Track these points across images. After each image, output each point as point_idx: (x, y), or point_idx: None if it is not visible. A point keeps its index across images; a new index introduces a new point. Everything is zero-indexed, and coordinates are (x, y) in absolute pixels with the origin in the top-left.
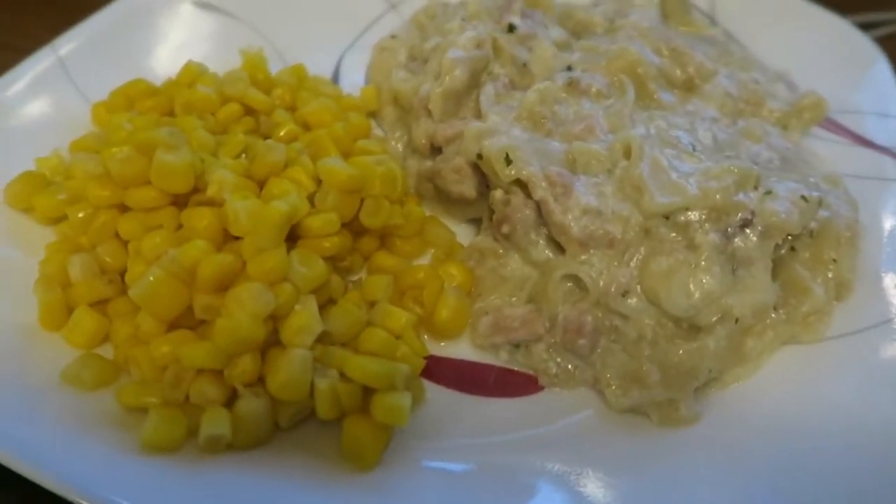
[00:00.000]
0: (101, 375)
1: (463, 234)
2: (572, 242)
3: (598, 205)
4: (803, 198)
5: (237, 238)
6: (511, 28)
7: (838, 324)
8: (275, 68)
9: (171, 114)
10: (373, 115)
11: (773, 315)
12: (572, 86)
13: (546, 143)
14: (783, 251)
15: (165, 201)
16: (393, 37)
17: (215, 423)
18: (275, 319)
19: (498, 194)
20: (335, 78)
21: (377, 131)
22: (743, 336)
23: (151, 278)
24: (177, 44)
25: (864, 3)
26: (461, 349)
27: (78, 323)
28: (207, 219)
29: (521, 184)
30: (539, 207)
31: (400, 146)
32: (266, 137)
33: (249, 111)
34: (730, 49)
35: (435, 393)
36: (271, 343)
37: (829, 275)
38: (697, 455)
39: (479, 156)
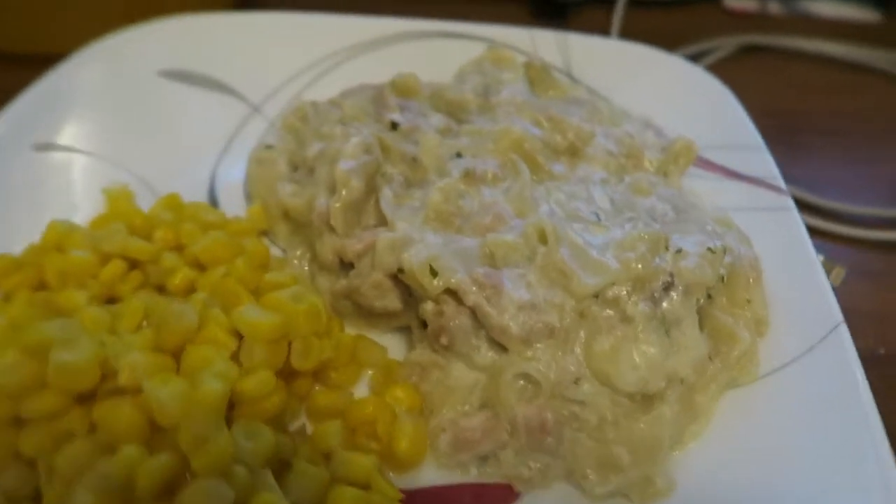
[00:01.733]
0: None
1: (388, 342)
2: (514, 341)
3: (530, 298)
4: (710, 250)
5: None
6: (394, 126)
7: (766, 360)
8: (143, 200)
9: (43, 286)
10: (264, 233)
11: (710, 366)
12: (469, 176)
13: (460, 241)
14: (702, 302)
15: (68, 403)
16: (268, 147)
17: None
18: None
19: (429, 307)
20: (212, 199)
21: (274, 250)
22: (690, 394)
23: None
24: (24, 199)
25: (689, 34)
26: (426, 473)
27: None
28: (127, 415)
29: (450, 291)
30: (474, 312)
31: (304, 264)
32: (159, 287)
33: (133, 264)
34: (597, 106)
35: None
36: None
37: (748, 315)
38: None
39: (401, 270)
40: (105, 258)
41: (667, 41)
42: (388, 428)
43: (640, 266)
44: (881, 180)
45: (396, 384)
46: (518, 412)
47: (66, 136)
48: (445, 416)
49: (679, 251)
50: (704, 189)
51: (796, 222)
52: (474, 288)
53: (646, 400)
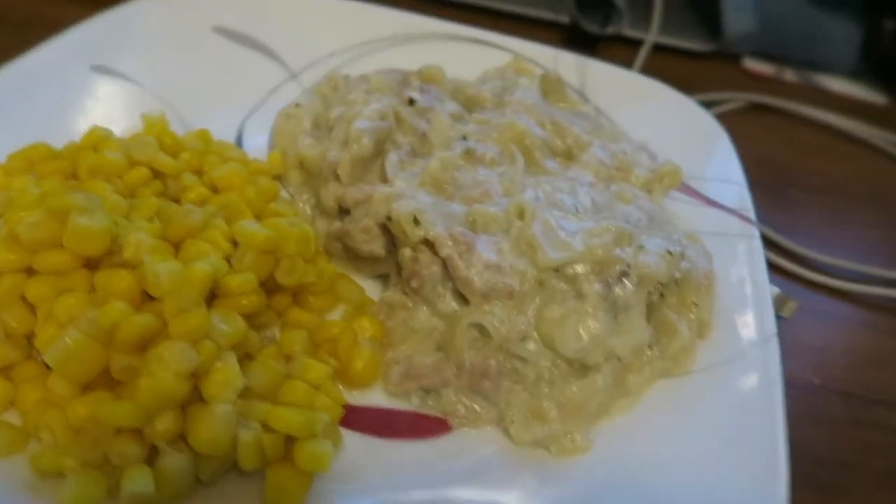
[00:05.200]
0: (10, 443)
1: (370, 288)
2: (476, 294)
3: (497, 260)
4: (669, 252)
5: (152, 299)
6: (411, 101)
7: (702, 358)
8: (177, 131)
9: (74, 177)
10: (278, 178)
11: (648, 353)
12: (469, 155)
13: (448, 205)
14: (654, 297)
15: (77, 265)
16: (297, 105)
17: (138, 480)
18: (195, 376)
19: (407, 252)
20: (238, 143)
21: (283, 194)
22: (625, 372)
23: (69, 341)
24: (74, 108)
25: (706, 84)
26: (374, 397)
27: None
28: (126, 281)
29: (429, 243)
30: (445, 264)
31: (308, 208)
32: (175, 200)
33: (156, 175)
34: (601, 123)
35: (351, 439)
36: (191, 399)
37: (692, 316)
38: (593, 478)
39: (389, 218)
40: (133, 164)
41: (683, 86)
42: (348, 349)
43: (601, 252)
44: (853, 238)
45: (365, 316)
46: (466, 357)
47: (121, 64)
48: (403, 352)
49: (641, 247)
50: (684, 212)
51: (758, 249)
52: (450, 242)
53: (583, 368)
